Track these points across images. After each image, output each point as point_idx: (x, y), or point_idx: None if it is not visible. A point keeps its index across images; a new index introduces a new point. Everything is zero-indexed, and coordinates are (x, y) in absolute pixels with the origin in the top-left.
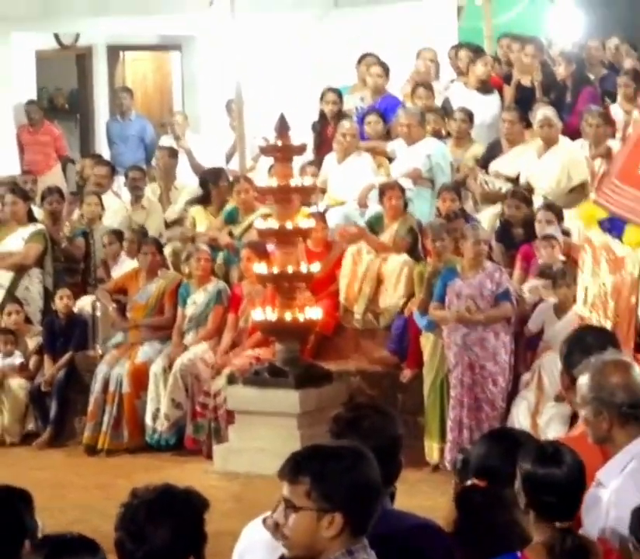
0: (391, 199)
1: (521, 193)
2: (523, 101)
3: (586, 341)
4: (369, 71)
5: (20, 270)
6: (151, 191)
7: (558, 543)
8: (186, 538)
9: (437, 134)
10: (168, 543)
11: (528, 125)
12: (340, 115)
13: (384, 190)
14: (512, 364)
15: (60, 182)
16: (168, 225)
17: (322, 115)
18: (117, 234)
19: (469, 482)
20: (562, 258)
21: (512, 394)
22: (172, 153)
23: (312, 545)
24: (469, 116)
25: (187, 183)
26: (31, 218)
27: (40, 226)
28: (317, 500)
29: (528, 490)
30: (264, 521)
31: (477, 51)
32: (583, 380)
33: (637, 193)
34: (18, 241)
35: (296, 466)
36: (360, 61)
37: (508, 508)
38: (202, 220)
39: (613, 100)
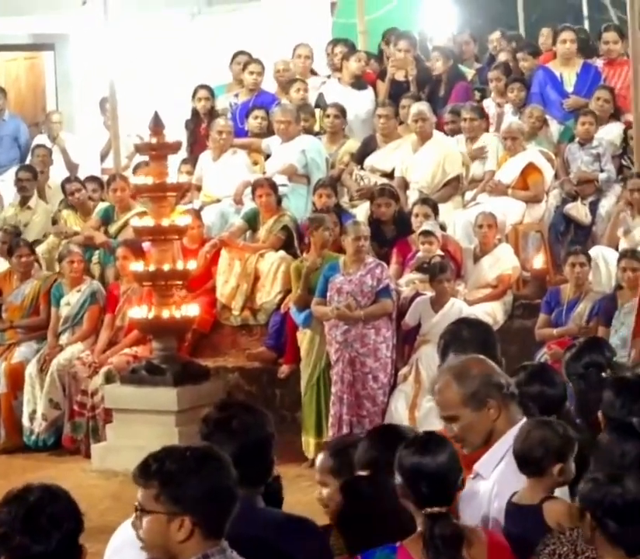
0: (261, 195)
1: (389, 190)
2: (398, 96)
3: (462, 335)
4: (246, 69)
5: None
6: None
7: (428, 528)
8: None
9: (308, 131)
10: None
11: (401, 121)
12: (213, 112)
13: (255, 187)
14: (393, 359)
15: None
16: None
17: (195, 113)
18: None
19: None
20: (440, 252)
21: (393, 389)
22: (47, 152)
23: (166, 548)
24: (342, 112)
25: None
26: None
27: None
28: (165, 503)
29: (403, 479)
30: (133, 521)
31: (351, 47)
32: (446, 385)
33: None
34: None
35: (145, 470)
36: (233, 59)
37: (393, 498)
38: (74, 223)
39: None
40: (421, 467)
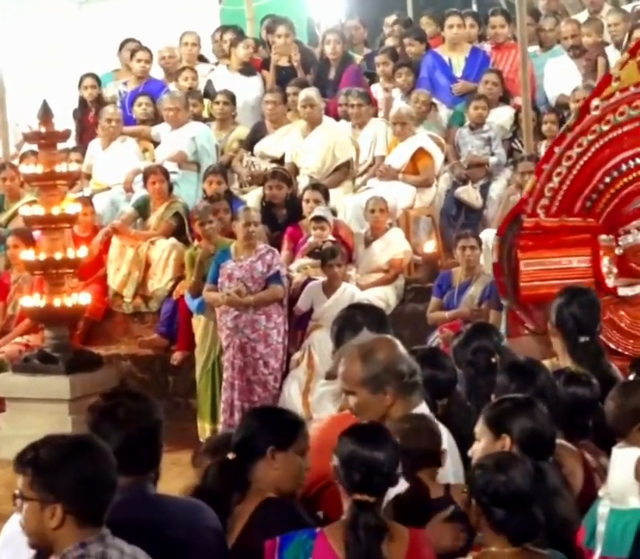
0: (154, 182)
1: (281, 173)
2: (285, 82)
3: (356, 320)
4: (134, 56)
5: None
6: None
7: (353, 516)
8: None
9: (197, 118)
10: None
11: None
12: (100, 100)
13: (147, 174)
14: (285, 345)
15: None
16: None
17: (82, 101)
18: None
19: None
20: (332, 237)
21: (286, 374)
22: None
23: (43, 535)
24: (231, 98)
25: None
26: None
27: None
28: (39, 491)
29: (340, 462)
30: (17, 509)
31: (239, 34)
32: (350, 363)
33: None
34: None
35: (21, 457)
36: (121, 47)
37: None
38: None
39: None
40: (357, 456)
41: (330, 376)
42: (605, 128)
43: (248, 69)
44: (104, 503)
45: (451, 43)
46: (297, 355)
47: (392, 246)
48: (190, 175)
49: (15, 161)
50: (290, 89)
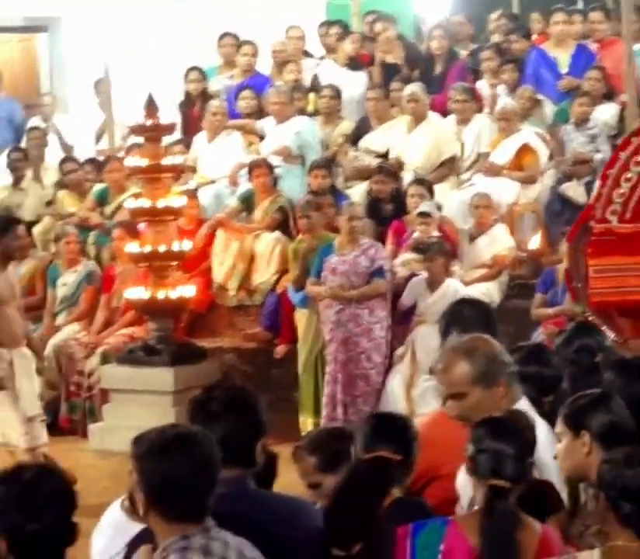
0: (258, 176)
1: (387, 169)
2: (390, 78)
3: (463, 315)
4: (240, 50)
5: None
6: None
7: (489, 501)
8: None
9: (302, 112)
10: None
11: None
12: (205, 94)
13: (251, 168)
14: (388, 340)
15: None
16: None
17: (188, 95)
18: None
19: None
20: (437, 234)
21: (389, 369)
22: (42, 134)
23: (148, 525)
24: (337, 93)
25: (56, 164)
26: None
27: None
28: (137, 478)
29: (471, 455)
30: (122, 502)
31: (345, 28)
32: (455, 364)
33: None
34: None
35: (133, 443)
36: (220, 41)
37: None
38: (70, 203)
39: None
40: (490, 443)
41: (434, 371)
42: None
43: (354, 64)
44: (194, 503)
45: (557, 39)
46: (400, 350)
47: (496, 242)
48: (295, 169)
49: (121, 154)
50: (394, 85)
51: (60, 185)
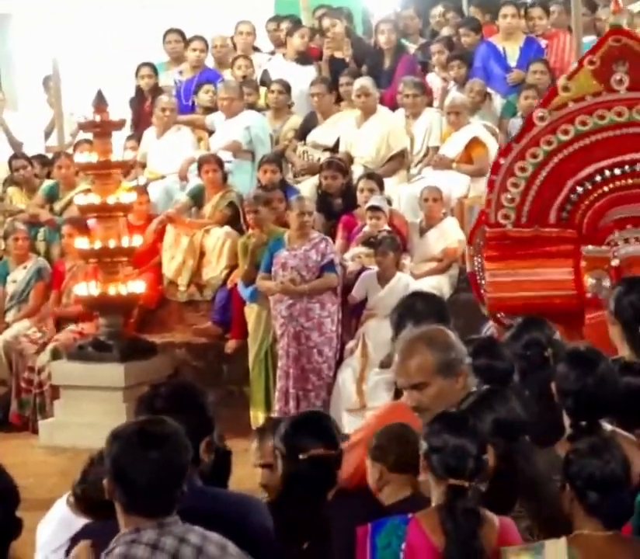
0: (208, 172)
1: (336, 163)
2: (338, 73)
3: (416, 308)
4: (189, 46)
5: None
6: None
7: (450, 500)
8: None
9: (252, 106)
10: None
11: (338, 98)
12: (157, 89)
13: (201, 163)
14: (339, 333)
15: None
16: None
17: (139, 90)
18: None
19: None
20: (387, 227)
21: (340, 363)
22: None
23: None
24: (286, 88)
25: (4, 161)
26: None
27: None
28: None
29: (426, 454)
30: (67, 498)
31: (295, 23)
32: (416, 354)
33: None
34: None
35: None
36: (165, 37)
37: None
38: (19, 200)
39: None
40: (450, 442)
41: (384, 364)
42: (564, 138)
43: (303, 58)
44: (146, 498)
45: (505, 32)
46: (351, 344)
47: (446, 235)
48: (245, 164)
49: (70, 150)
50: (343, 79)
51: (9, 182)
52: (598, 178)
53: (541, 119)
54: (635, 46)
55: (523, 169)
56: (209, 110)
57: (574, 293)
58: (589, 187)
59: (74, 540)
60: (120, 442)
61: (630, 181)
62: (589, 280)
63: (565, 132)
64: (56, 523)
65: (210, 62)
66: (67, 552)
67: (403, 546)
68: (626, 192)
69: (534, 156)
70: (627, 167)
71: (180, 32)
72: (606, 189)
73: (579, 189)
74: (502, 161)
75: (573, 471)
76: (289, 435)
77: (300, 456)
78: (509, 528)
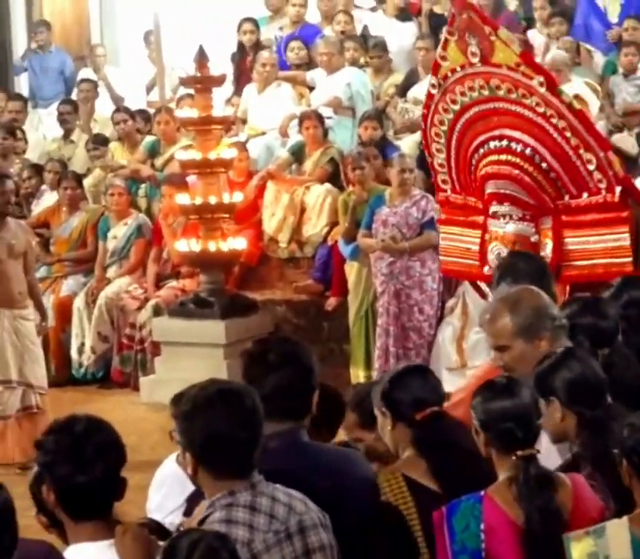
0: (308, 128)
1: None
2: (437, 28)
3: (518, 267)
4: (289, 1)
5: None
6: None
7: (522, 471)
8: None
9: (356, 62)
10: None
11: None
12: (258, 45)
13: (302, 119)
14: (440, 291)
15: None
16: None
17: (240, 46)
18: (36, 168)
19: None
20: None
21: (440, 321)
22: (93, 86)
23: (195, 481)
24: (384, 48)
25: (107, 115)
26: None
27: None
28: (180, 436)
29: (485, 425)
30: (177, 457)
31: None
32: (499, 316)
33: None
34: None
35: (173, 401)
36: None
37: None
38: (120, 155)
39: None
40: (509, 410)
41: (482, 323)
42: (456, 108)
43: (403, 14)
44: (240, 457)
45: None
46: (451, 302)
47: None
48: (345, 121)
49: (172, 105)
50: (442, 36)
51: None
52: (481, 150)
53: (434, 86)
54: (478, 20)
55: (438, 135)
56: (299, 67)
57: (479, 264)
58: (477, 158)
59: (192, 501)
60: (200, 407)
61: (501, 157)
62: (489, 255)
63: (454, 102)
64: (169, 484)
65: (311, 17)
66: (186, 513)
67: (482, 526)
68: (495, 168)
69: (442, 123)
70: (497, 142)
71: None
72: (484, 161)
73: (473, 161)
74: (426, 125)
75: (629, 446)
76: (391, 393)
77: (417, 416)
78: (581, 486)
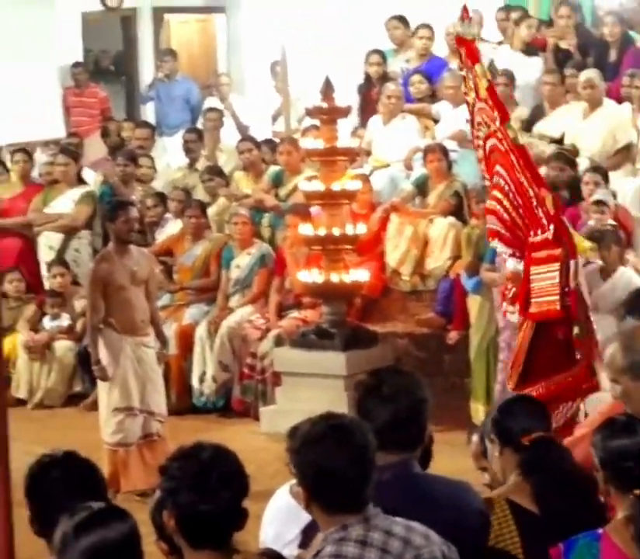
0: (432, 161)
1: (565, 155)
2: (563, 63)
3: None
4: (416, 34)
5: (70, 232)
6: None
7: (639, 510)
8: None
9: None
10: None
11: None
12: (385, 77)
13: (426, 152)
14: None
15: (100, 145)
16: None
17: (367, 77)
18: (160, 197)
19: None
20: (612, 222)
21: None
22: (219, 115)
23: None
24: (511, 79)
25: (232, 145)
26: (80, 180)
27: (89, 187)
28: (294, 471)
29: (604, 463)
30: (291, 487)
31: (522, 13)
32: (614, 350)
33: None
34: (68, 202)
35: (289, 433)
36: (386, 24)
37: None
38: (245, 185)
39: None
40: (628, 449)
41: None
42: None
43: (530, 49)
44: (350, 493)
45: None
46: None
47: None
48: (470, 154)
49: (297, 136)
50: (568, 71)
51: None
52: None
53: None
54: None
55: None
56: (421, 100)
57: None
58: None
59: (307, 532)
60: (312, 442)
61: (493, 192)
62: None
63: (478, 138)
64: (283, 515)
65: (438, 50)
66: (302, 545)
67: None
68: (491, 204)
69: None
70: (496, 177)
71: (402, 19)
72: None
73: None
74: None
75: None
76: (501, 420)
77: (523, 441)
78: None
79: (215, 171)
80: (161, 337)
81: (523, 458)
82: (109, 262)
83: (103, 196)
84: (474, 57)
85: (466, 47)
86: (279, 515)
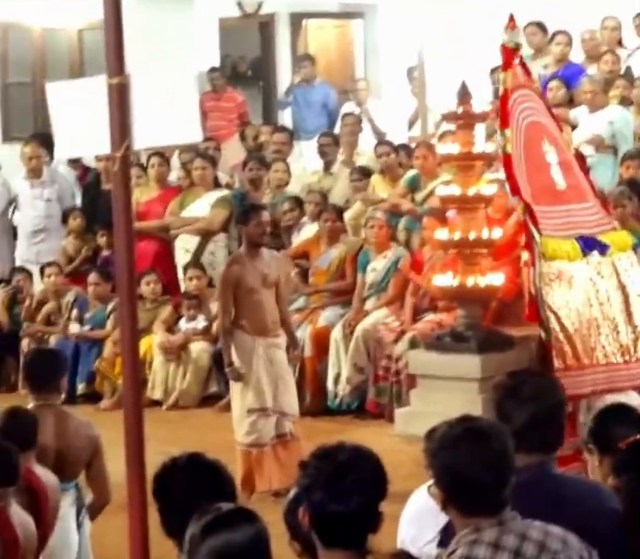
0: None
1: None
2: None
3: None
4: (554, 40)
5: (206, 235)
6: None
7: None
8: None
9: (624, 101)
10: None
11: None
12: None
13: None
14: None
15: (239, 149)
16: None
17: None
18: (297, 201)
19: None
20: None
21: None
22: (356, 120)
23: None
24: None
25: (368, 149)
26: (217, 184)
27: (225, 191)
28: (431, 473)
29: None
30: (429, 488)
31: None
32: None
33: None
34: (204, 206)
35: (426, 437)
36: (524, 29)
37: None
38: (382, 188)
39: None
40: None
41: None
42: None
43: None
44: (485, 497)
45: None
46: None
47: None
48: (607, 159)
49: (434, 141)
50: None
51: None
52: None
53: None
54: None
55: None
56: (558, 106)
57: None
58: None
59: (445, 532)
60: (449, 446)
61: None
62: None
63: None
64: (422, 516)
65: (574, 56)
66: (440, 544)
67: None
68: None
69: None
70: None
71: (539, 25)
72: None
73: None
74: None
75: None
76: (597, 429)
77: (620, 445)
78: None
79: (363, 171)
80: (292, 338)
81: (616, 459)
82: (241, 264)
83: (234, 200)
84: (507, 63)
85: (505, 54)
86: (417, 515)
